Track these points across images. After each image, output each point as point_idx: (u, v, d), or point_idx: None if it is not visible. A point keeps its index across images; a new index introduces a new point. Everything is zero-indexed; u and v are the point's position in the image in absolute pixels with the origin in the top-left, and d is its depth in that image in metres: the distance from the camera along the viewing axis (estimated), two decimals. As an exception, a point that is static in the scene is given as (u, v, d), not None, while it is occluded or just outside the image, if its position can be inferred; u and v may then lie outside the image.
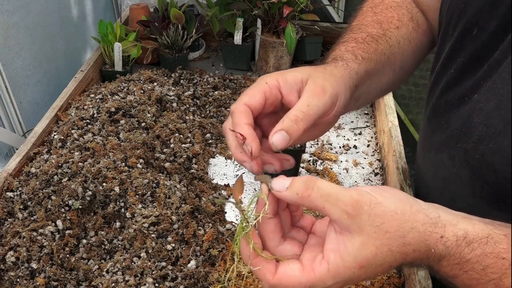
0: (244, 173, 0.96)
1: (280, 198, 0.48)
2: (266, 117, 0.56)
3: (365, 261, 0.45)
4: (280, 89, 0.53)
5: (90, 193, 0.86)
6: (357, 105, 0.68)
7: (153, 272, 0.79)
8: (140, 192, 0.88)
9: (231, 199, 0.50)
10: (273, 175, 0.50)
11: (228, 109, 1.27)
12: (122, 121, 1.04)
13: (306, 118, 0.51)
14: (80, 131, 1.01)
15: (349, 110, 0.67)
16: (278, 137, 0.49)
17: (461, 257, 0.46)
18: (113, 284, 0.77)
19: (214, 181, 1.04)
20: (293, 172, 1.00)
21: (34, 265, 0.78)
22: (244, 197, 1.05)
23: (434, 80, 0.70)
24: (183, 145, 1.04)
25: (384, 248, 0.45)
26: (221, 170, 1.08)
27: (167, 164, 0.98)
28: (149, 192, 0.89)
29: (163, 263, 0.81)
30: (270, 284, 0.48)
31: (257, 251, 0.48)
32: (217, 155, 1.12)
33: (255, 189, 1.02)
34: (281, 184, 0.47)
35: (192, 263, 0.81)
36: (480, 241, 0.46)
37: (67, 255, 0.80)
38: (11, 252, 0.79)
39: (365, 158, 1.13)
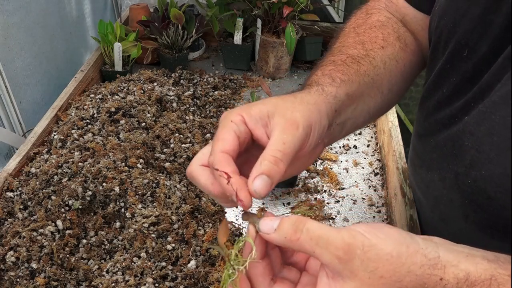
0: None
1: (268, 240, 0.45)
2: (238, 157, 0.50)
3: None
4: (246, 123, 0.49)
5: (90, 193, 0.86)
6: (344, 132, 0.63)
7: (153, 272, 0.79)
8: (140, 192, 0.88)
9: (216, 245, 0.49)
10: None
11: (228, 109, 1.27)
12: (122, 121, 1.04)
13: (285, 157, 0.46)
14: (80, 131, 1.01)
15: (336, 139, 0.62)
16: (259, 183, 0.45)
17: None
18: (113, 284, 0.77)
19: (214, 181, 1.04)
20: (292, 180, 1.00)
21: (34, 265, 0.78)
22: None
23: (425, 94, 0.68)
24: (183, 145, 1.04)
25: None
26: (221, 170, 1.08)
27: (167, 164, 0.98)
28: (149, 192, 0.89)
29: (163, 263, 0.81)
30: None
31: None
32: (217, 155, 1.12)
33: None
34: (268, 225, 0.45)
35: (192, 263, 0.81)
36: (482, 283, 0.43)
37: (67, 255, 0.80)
38: (11, 252, 0.79)
39: (365, 158, 1.13)
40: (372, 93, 0.64)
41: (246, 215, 0.48)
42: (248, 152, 0.51)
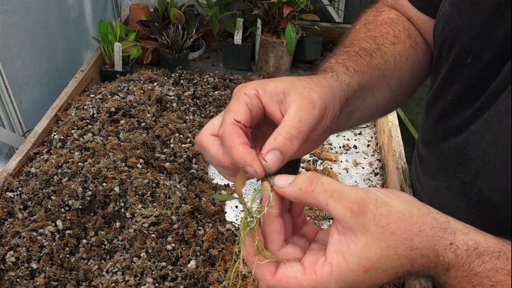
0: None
1: (283, 195, 0.45)
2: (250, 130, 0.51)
3: (369, 263, 0.42)
4: (260, 98, 0.48)
5: (90, 193, 0.86)
6: (350, 124, 0.63)
7: (153, 272, 0.79)
8: (140, 192, 0.88)
9: (234, 194, 0.48)
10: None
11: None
12: (122, 121, 1.04)
13: (300, 135, 0.46)
14: (80, 131, 1.01)
15: (341, 130, 0.62)
16: (271, 158, 0.45)
17: (470, 269, 0.43)
18: (113, 284, 0.77)
19: (214, 181, 1.04)
20: (292, 172, 1.00)
21: (34, 265, 0.78)
22: (245, 196, 1.05)
23: (430, 101, 0.68)
24: (183, 145, 1.04)
25: (390, 251, 0.42)
26: (221, 170, 1.08)
27: (167, 164, 0.98)
28: (149, 192, 0.89)
29: (163, 263, 0.81)
30: (268, 284, 0.45)
31: (260, 248, 0.45)
32: (217, 155, 1.12)
33: (254, 189, 1.02)
34: (284, 180, 0.45)
35: (192, 263, 0.81)
36: (491, 254, 0.43)
37: (67, 255, 0.80)
38: (11, 252, 0.79)
39: (365, 158, 1.13)
40: (381, 87, 0.63)
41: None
42: (257, 128, 0.51)
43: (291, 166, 1.03)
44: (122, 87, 1.16)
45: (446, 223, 0.44)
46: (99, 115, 1.05)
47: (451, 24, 0.59)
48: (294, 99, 0.48)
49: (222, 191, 1.01)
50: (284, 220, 0.48)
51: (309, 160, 1.10)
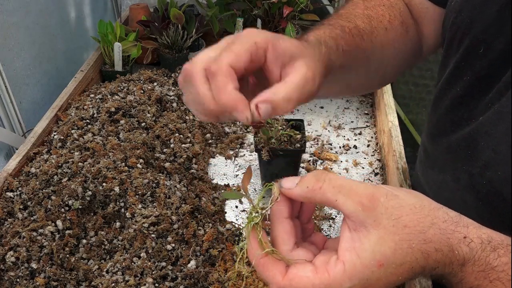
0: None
1: (291, 196, 0.45)
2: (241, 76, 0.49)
3: (383, 258, 0.41)
4: (266, 53, 0.47)
5: (90, 193, 0.86)
6: (333, 89, 0.64)
7: (153, 272, 0.79)
8: (140, 192, 0.88)
9: (241, 191, 0.48)
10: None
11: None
12: (122, 121, 1.04)
13: (296, 102, 0.46)
14: (80, 131, 1.01)
15: (327, 95, 0.63)
16: (263, 108, 0.44)
17: (486, 263, 0.42)
18: (113, 284, 0.77)
19: (214, 181, 1.04)
20: (292, 172, 1.00)
21: (34, 265, 0.78)
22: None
23: (437, 94, 0.68)
24: (183, 145, 1.04)
25: (404, 244, 0.41)
26: (221, 170, 1.08)
27: (167, 164, 0.98)
28: (149, 192, 0.89)
29: (163, 263, 0.81)
30: (279, 285, 0.43)
31: (266, 245, 0.44)
32: (217, 155, 1.12)
33: (255, 188, 1.02)
34: (290, 181, 0.44)
35: (192, 263, 0.81)
36: (506, 248, 0.42)
37: (67, 255, 0.80)
38: (11, 252, 0.79)
39: (365, 158, 1.13)
40: (360, 71, 0.63)
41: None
42: (244, 79, 0.50)
43: (291, 167, 1.03)
44: (122, 87, 1.16)
45: (457, 217, 0.43)
46: (99, 115, 1.05)
47: (464, 14, 0.59)
48: (301, 66, 0.47)
49: (222, 191, 1.01)
50: (294, 223, 0.47)
51: (309, 160, 1.10)
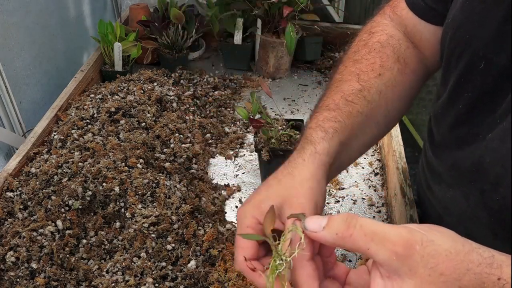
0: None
1: (317, 239, 0.43)
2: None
3: None
4: (261, 222, 0.52)
5: (90, 193, 0.86)
6: (341, 170, 0.66)
7: (153, 272, 0.79)
8: (140, 192, 0.88)
9: (266, 237, 0.48)
10: None
11: (228, 109, 1.27)
12: (122, 121, 1.04)
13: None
14: (80, 131, 1.01)
15: (334, 177, 0.65)
16: (312, 223, 0.44)
17: None
18: (113, 284, 0.77)
19: (214, 181, 1.04)
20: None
21: (34, 265, 0.78)
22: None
23: (440, 111, 0.67)
24: (183, 145, 1.04)
25: None
26: (221, 170, 1.08)
27: (167, 164, 0.98)
28: (149, 192, 0.89)
29: (163, 263, 0.81)
30: None
31: None
32: (217, 155, 1.12)
33: (255, 188, 1.02)
34: (316, 223, 0.42)
35: (192, 263, 0.81)
36: None
37: (67, 255, 0.80)
38: (11, 252, 0.79)
39: (365, 158, 1.13)
40: (367, 129, 0.65)
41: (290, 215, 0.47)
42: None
43: None
44: (122, 87, 1.16)
45: (491, 258, 0.42)
46: (99, 115, 1.05)
47: (463, 30, 0.59)
48: (288, 212, 0.50)
49: (222, 191, 1.01)
50: (316, 263, 0.46)
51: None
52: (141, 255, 0.81)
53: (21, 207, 0.86)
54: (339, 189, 1.03)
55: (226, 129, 1.20)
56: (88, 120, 1.04)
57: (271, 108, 1.29)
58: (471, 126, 0.60)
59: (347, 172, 1.08)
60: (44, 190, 0.87)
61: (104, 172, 0.89)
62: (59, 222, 0.83)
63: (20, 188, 0.90)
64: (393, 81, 0.66)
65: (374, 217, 0.96)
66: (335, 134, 0.59)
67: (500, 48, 0.54)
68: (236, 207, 0.98)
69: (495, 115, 0.56)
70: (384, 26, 0.71)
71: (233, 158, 1.11)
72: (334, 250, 0.49)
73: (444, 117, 0.66)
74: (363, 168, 1.10)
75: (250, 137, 1.18)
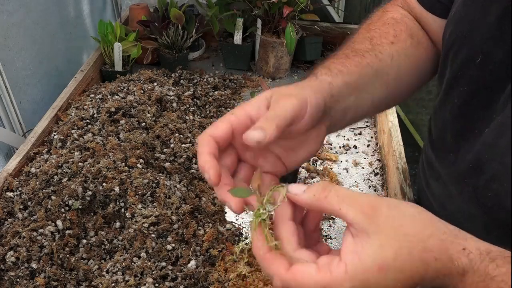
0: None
1: (297, 202, 0.47)
2: (244, 147, 0.53)
3: (384, 263, 0.42)
4: (250, 115, 0.51)
5: (90, 193, 0.86)
6: (346, 121, 0.64)
7: (153, 272, 0.79)
8: (140, 192, 0.88)
9: (253, 191, 0.50)
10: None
11: (228, 109, 1.27)
12: (122, 121, 1.04)
13: (276, 117, 0.49)
14: (80, 131, 1.01)
15: (339, 127, 0.64)
16: (253, 132, 0.47)
17: (486, 273, 0.42)
18: (113, 284, 0.77)
19: (214, 181, 1.04)
20: (292, 172, 1.00)
21: (34, 265, 0.78)
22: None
23: (437, 106, 0.68)
24: (183, 145, 1.04)
25: (404, 251, 0.42)
26: (221, 170, 1.08)
27: (167, 164, 0.98)
28: (149, 192, 0.89)
29: (163, 263, 0.81)
30: (282, 278, 0.45)
31: (271, 239, 0.46)
32: (217, 155, 1.12)
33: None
34: (298, 188, 0.47)
35: (192, 263, 0.81)
36: (504, 259, 0.43)
37: (67, 255, 0.80)
38: (11, 252, 0.79)
39: (365, 158, 1.13)
40: (376, 84, 0.64)
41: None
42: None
43: (290, 175, 1.03)
44: (122, 87, 1.16)
45: (456, 230, 0.44)
46: (99, 115, 1.05)
47: (463, 25, 0.59)
48: (274, 98, 0.52)
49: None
50: (297, 229, 0.48)
51: (309, 160, 1.10)
52: (141, 255, 0.81)
53: (21, 207, 0.86)
54: (339, 189, 1.03)
55: (226, 129, 1.19)
56: (88, 120, 1.04)
57: (271, 108, 1.29)
58: (467, 121, 0.60)
59: (347, 172, 1.08)
60: (44, 190, 0.87)
61: (104, 172, 0.89)
62: (59, 222, 0.83)
63: (20, 188, 0.90)
64: (406, 51, 0.67)
65: (374, 217, 0.96)
66: (339, 73, 0.60)
67: (498, 42, 0.54)
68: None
69: (492, 110, 0.56)
70: (398, 8, 0.73)
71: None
72: (319, 226, 0.52)
73: (441, 112, 0.66)
74: (363, 168, 1.10)
75: (250, 137, 1.17)
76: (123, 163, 0.93)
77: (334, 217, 0.95)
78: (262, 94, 0.53)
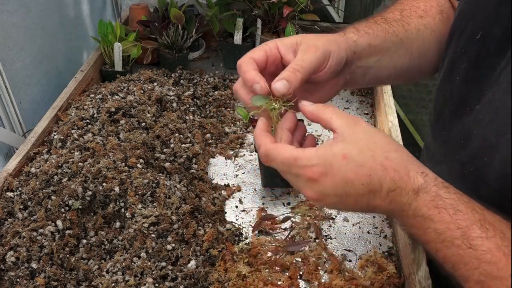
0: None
1: (304, 109, 0.57)
2: (270, 77, 0.60)
3: (348, 153, 0.51)
4: (278, 49, 0.61)
5: (90, 193, 0.86)
6: (367, 80, 0.71)
7: (153, 272, 0.79)
8: (140, 192, 0.88)
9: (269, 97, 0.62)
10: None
11: (228, 109, 1.27)
12: (122, 121, 1.04)
13: (302, 69, 0.57)
14: (80, 131, 1.01)
15: (358, 84, 0.71)
16: (279, 84, 0.56)
17: (437, 194, 0.49)
18: (113, 284, 0.77)
19: (214, 181, 1.04)
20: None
21: (34, 265, 0.78)
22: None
23: (438, 87, 0.69)
24: (183, 145, 1.04)
25: (369, 152, 0.51)
26: (221, 170, 1.08)
27: (167, 164, 0.98)
28: (149, 192, 0.89)
29: (163, 263, 0.81)
30: (266, 148, 0.55)
31: (274, 122, 0.58)
32: (217, 155, 1.12)
33: (255, 188, 1.02)
34: (308, 103, 0.58)
35: (192, 263, 0.81)
36: (456, 191, 0.50)
37: (67, 255, 0.80)
38: (11, 252, 0.79)
39: (365, 158, 1.13)
40: (400, 52, 0.70)
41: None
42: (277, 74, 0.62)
43: None
44: (122, 87, 1.16)
45: (421, 163, 0.52)
46: (99, 115, 1.05)
47: (470, 3, 0.62)
48: (302, 46, 0.60)
49: (222, 191, 1.01)
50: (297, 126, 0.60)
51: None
52: (141, 255, 0.81)
53: (21, 207, 0.87)
54: (339, 189, 1.03)
55: (226, 129, 1.20)
56: (88, 120, 1.04)
57: (271, 108, 1.29)
58: (462, 99, 0.62)
59: (347, 172, 1.08)
60: (44, 190, 0.87)
61: (104, 172, 0.90)
62: (59, 222, 0.83)
63: (20, 188, 0.90)
64: (433, 26, 0.71)
65: (374, 217, 0.96)
66: (366, 35, 0.67)
67: (497, 18, 0.56)
68: (236, 207, 0.98)
69: (484, 87, 0.57)
70: None
71: (233, 158, 1.11)
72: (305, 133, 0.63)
73: (441, 92, 0.68)
74: (363, 168, 1.10)
75: (250, 137, 1.18)
76: (123, 163, 0.93)
77: (334, 217, 0.96)
78: (293, 37, 0.62)
